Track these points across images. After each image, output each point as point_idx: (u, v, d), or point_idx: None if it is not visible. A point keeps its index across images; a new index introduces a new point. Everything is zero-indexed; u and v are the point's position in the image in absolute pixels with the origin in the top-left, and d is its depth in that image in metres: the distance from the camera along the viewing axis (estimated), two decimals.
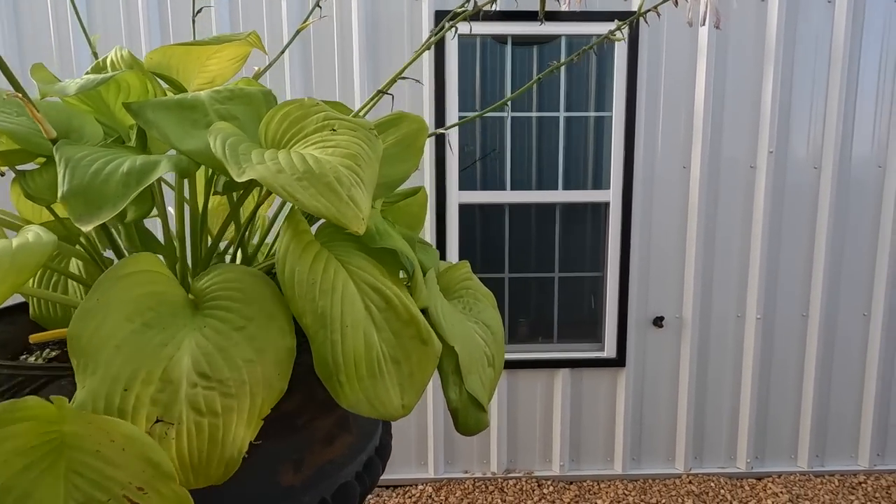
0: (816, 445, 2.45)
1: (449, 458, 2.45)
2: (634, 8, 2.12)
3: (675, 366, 2.41)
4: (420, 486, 2.40)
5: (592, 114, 2.29)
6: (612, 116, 2.23)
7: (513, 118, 2.28)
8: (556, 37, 2.22)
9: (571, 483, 2.42)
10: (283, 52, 0.89)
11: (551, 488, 2.37)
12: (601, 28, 2.16)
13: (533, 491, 2.35)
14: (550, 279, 2.39)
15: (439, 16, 2.15)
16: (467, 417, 0.62)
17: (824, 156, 2.28)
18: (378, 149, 0.53)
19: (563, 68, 2.15)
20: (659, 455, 2.46)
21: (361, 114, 0.69)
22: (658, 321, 2.35)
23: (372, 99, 0.72)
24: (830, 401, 2.44)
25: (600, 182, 2.30)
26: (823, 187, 2.30)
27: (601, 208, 2.31)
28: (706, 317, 2.38)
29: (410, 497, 2.32)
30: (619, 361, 2.36)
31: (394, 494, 2.35)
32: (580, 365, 2.38)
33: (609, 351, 2.36)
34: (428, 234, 2.28)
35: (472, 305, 0.73)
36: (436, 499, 2.30)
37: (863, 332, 2.40)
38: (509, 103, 2.23)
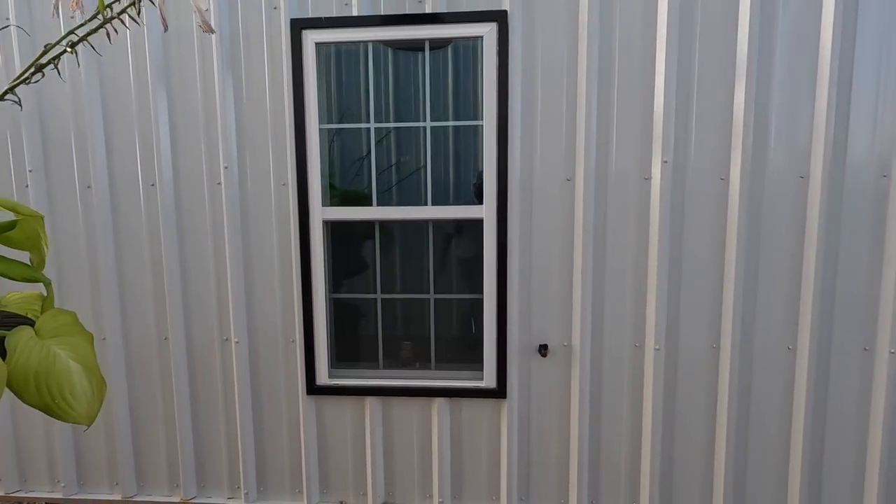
0: (735, 493, 2.15)
1: (325, 486, 2.32)
2: (504, 7, 1.95)
3: (565, 398, 2.18)
4: None
5: (461, 123, 2.11)
6: (482, 126, 2.05)
7: (376, 129, 2.14)
8: (421, 41, 2.07)
9: None
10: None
11: None
12: (466, 30, 2.00)
13: None
14: (425, 301, 2.22)
15: (294, 24, 2.05)
16: None
17: (732, 164, 2.01)
18: None
19: (427, 75, 2.01)
20: (550, 494, 2.23)
21: None
22: (542, 349, 2.14)
23: None
24: (749, 442, 2.13)
25: (472, 197, 2.12)
26: (732, 196, 2.01)
27: (475, 225, 2.12)
28: (598, 345, 2.14)
29: None
30: (499, 392, 2.16)
31: None
32: (458, 395, 2.20)
33: (488, 380, 2.16)
34: (292, 251, 2.18)
35: None
36: None
37: (786, 365, 2.08)
38: (371, 114, 2.11)
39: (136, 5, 0.66)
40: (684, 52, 1.98)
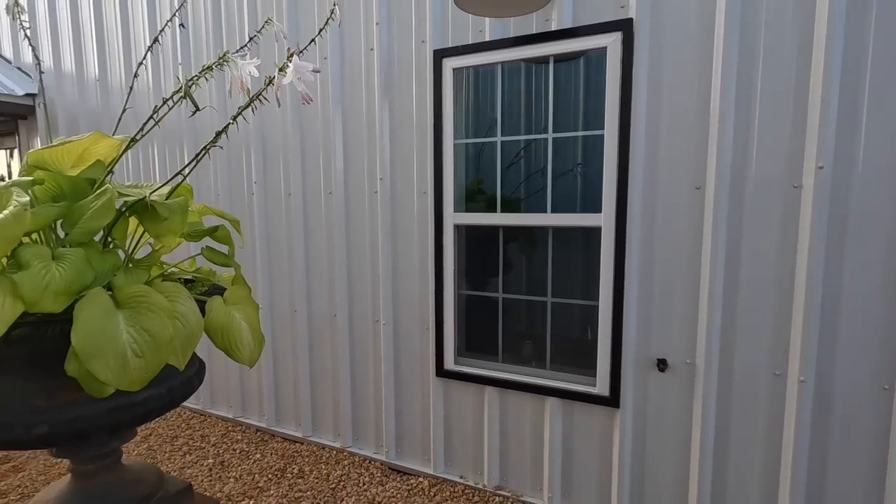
0: None
1: (449, 459, 2.62)
2: (630, 15, 1.98)
3: (685, 418, 2.06)
4: (419, 479, 2.65)
5: (583, 133, 2.15)
6: (603, 135, 2.07)
7: (503, 143, 2.32)
8: (546, 57, 2.18)
9: None
10: (144, 129, 1.36)
11: None
12: (592, 42, 2.06)
13: None
14: (543, 303, 2.33)
15: (437, 54, 2.36)
16: (88, 385, 0.99)
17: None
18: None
19: (550, 88, 2.14)
20: None
21: None
22: (661, 364, 2.07)
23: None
24: None
25: (591, 205, 2.15)
26: (889, 205, 1.66)
27: (593, 233, 2.15)
28: (727, 368, 1.98)
29: (408, 485, 2.59)
30: (611, 401, 2.16)
31: (398, 479, 2.65)
32: (571, 397, 2.26)
33: (601, 387, 2.18)
34: (428, 250, 2.51)
35: (138, 315, 1.07)
36: (428, 495, 2.51)
37: None
38: (499, 128, 2.30)
39: (274, 84, 0.99)
40: (853, 42, 1.70)
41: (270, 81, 0.93)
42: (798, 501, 1.90)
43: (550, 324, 2.33)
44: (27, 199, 0.98)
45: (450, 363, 2.52)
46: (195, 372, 1.33)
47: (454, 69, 2.34)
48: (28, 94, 4.17)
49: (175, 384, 1.26)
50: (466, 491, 2.52)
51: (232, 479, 2.66)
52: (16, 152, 4.78)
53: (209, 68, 0.97)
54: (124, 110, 1.40)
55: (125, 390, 1.00)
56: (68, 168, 1.20)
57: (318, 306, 2.92)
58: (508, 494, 2.45)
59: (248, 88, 0.94)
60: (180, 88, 0.96)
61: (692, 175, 1.96)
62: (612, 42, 2.01)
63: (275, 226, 3.00)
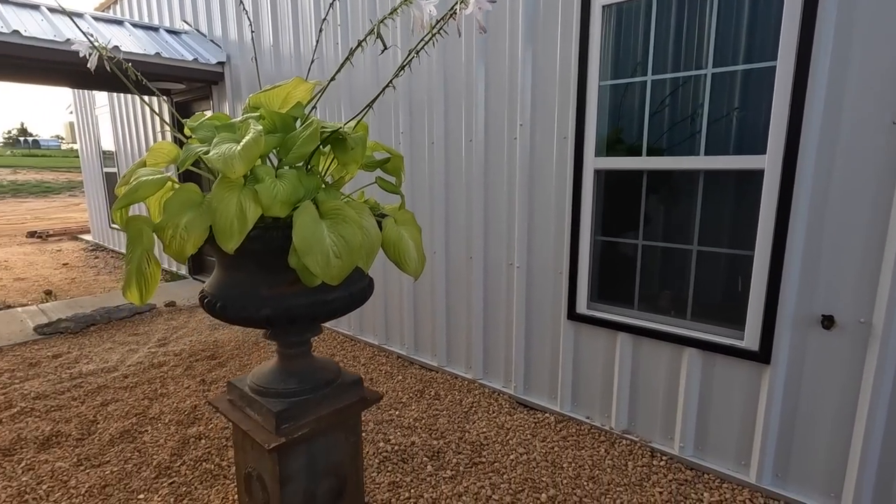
0: None
1: (576, 399, 2.71)
2: None
3: (852, 382, 1.87)
4: (546, 414, 2.79)
5: (748, 66, 1.95)
6: (774, 67, 1.86)
7: (653, 81, 2.20)
8: None
9: (690, 469, 2.29)
10: (330, 80, 1.60)
11: (664, 463, 2.33)
12: None
13: (641, 457, 2.37)
14: (686, 252, 2.23)
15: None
16: (303, 275, 1.26)
17: None
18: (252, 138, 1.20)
19: (714, 14, 1.98)
20: (816, 481, 2.00)
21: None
22: (826, 321, 1.88)
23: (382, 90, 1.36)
24: None
25: (751, 146, 1.97)
26: None
27: (752, 177, 1.98)
28: None
29: (535, 420, 2.75)
30: (761, 356, 2.04)
31: (524, 412, 2.83)
32: (713, 349, 2.17)
33: (749, 342, 2.06)
34: (566, 195, 2.54)
35: (337, 224, 1.31)
36: (554, 430, 2.65)
37: None
38: (650, 67, 2.19)
39: (455, 16, 1.10)
40: None
41: (452, 14, 1.05)
42: None
43: (694, 273, 2.23)
44: (261, 128, 1.24)
45: (582, 307, 2.56)
46: (367, 284, 1.58)
47: (603, 6, 2.25)
48: (219, 63, 4.94)
49: (355, 290, 1.51)
50: (592, 431, 2.60)
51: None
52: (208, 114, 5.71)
53: (395, 10, 1.12)
54: (312, 60, 1.64)
55: (327, 283, 1.24)
56: (276, 108, 1.47)
57: (455, 249, 3.13)
58: (636, 439, 2.47)
59: (430, 25, 1.07)
60: (372, 30, 1.12)
61: (890, 107, 1.69)
62: None
63: (418, 172, 3.24)
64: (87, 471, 2.32)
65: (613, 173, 2.39)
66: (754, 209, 1.99)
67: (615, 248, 2.48)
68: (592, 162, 2.40)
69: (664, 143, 2.22)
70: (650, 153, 2.26)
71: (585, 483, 2.20)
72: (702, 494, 2.13)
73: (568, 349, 2.67)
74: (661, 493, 2.13)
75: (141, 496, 2.14)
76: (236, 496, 2.04)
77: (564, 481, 2.21)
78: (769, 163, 1.92)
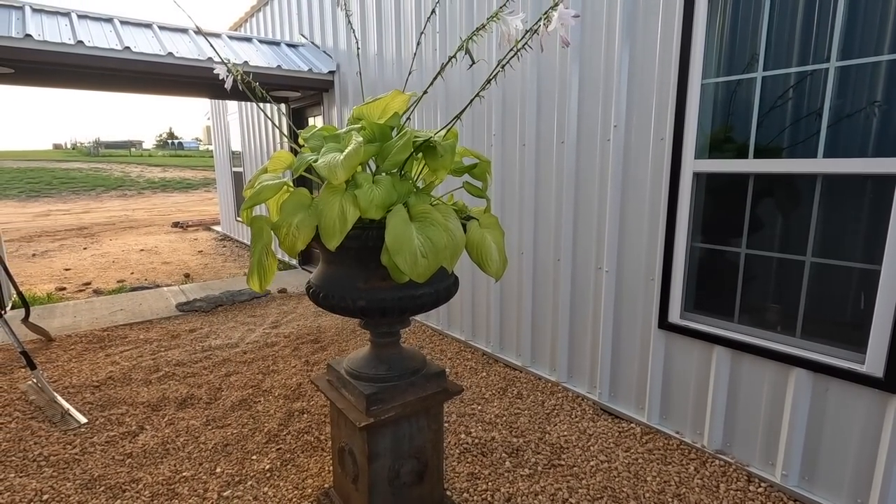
0: None
1: (665, 412, 2.60)
2: None
3: None
4: (631, 424, 2.70)
5: (875, 59, 1.73)
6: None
7: (763, 78, 2.03)
8: None
9: (794, 500, 2.09)
10: (423, 93, 1.72)
11: (762, 490, 2.16)
12: None
13: (736, 480, 2.22)
14: (798, 263, 2.03)
15: None
16: (393, 272, 1.39)
17: None
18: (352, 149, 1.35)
19: (839, 5, 1.83)
20: None
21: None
22: None
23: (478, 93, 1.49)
24: None
25: (883, 149, 1.75)
26: None
27: (882, 182, 1.76)
28: None
29: (619, 428, 2.68)
30: (886, 384, 1.81)
31: (608, 420, 2.76)
32: (826, 372, 1.97)
33: (873, 367, 1.84)
34: (661, 199, 2.43)
35: (425, 226, 1.42)
36: (639, 441, 2.57)
37: None
38: (761, 63, 2.04)
39: (538, 32, 1.15)
40: None
41: (535, 30, 1.10)
42: None
43: (806, 286, 2.03)
44: (361, 139, 1.39)
45: (675, 317, 2.45)
46: (452, 282, 1.68)
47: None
48: (329, 72, 5.38)
49: (440, 288, 1.62)
50: (682, 446, 2.48)
51: (464, 387, 3.18)
52: (319, 119, 6.23)
53: (483, 26, 1.19)
54: (410, 72, 1.77)
55: (414, 281, 1.35)
56: (376, 118, 1.61)
57: (543, 250, 3.14)
58: (731, 461, 2.31)
59: (516, 40, 1.13)
60: (461, 46, 1.21)
61: None
62: None
63: (509, 174, 3.29)
64: (213, 430, 2.71)
65: (715, 176, 2.25)
66: (883, 218, 1.77)
67: (714, 256, 2.33)
68: (691, 164, 2.28)
69: (774, 144, 2.05)
70: (757, 155, 2.09)
71: (670, 500, 2.11)
72: None
73: (658, 359, 2.57)
74: None
75: (254, 457, 2.46)
76: (331, 466, 2.26)
77: (647, 495, 2.14)
78: None
